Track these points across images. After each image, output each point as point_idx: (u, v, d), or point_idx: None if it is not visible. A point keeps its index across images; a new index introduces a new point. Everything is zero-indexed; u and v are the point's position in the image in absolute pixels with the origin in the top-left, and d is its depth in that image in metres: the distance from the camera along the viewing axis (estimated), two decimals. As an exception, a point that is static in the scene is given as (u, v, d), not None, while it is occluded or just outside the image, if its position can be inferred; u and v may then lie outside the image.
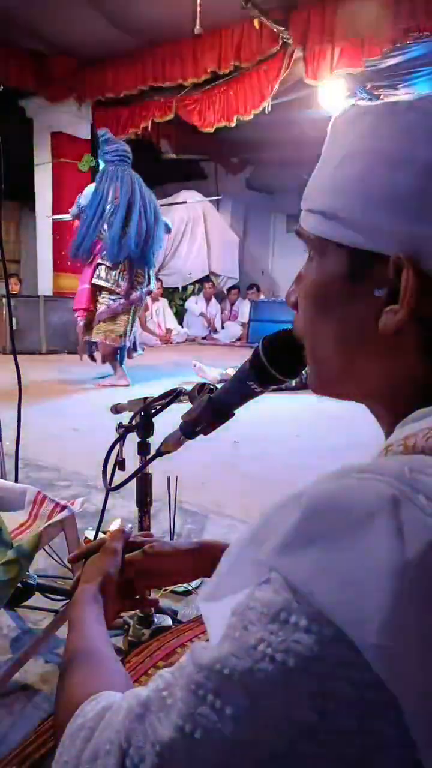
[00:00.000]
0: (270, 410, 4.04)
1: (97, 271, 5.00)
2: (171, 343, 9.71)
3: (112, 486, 0.99)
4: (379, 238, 0.47)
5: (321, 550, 0.35)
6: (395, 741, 0.33)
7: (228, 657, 0.36)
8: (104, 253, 4.90)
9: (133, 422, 1.15)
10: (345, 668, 0.33)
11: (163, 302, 10.00)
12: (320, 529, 0.36)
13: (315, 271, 0.54)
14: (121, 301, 5.04)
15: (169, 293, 10.28)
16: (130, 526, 1.52)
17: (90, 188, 5.18)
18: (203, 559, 0.78)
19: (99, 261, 4.98)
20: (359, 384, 0.54)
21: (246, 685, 0.34)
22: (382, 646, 0.32)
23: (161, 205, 5.86)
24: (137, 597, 0.80)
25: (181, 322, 10.13)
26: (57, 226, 8.20)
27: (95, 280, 5.01)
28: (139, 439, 1.24)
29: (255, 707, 0.34)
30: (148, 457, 1.01)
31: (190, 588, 1.60)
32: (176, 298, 10.37)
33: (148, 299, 10.05)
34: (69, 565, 1.59)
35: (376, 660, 0.32)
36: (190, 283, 10.35)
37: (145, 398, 1.14)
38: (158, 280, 10.09)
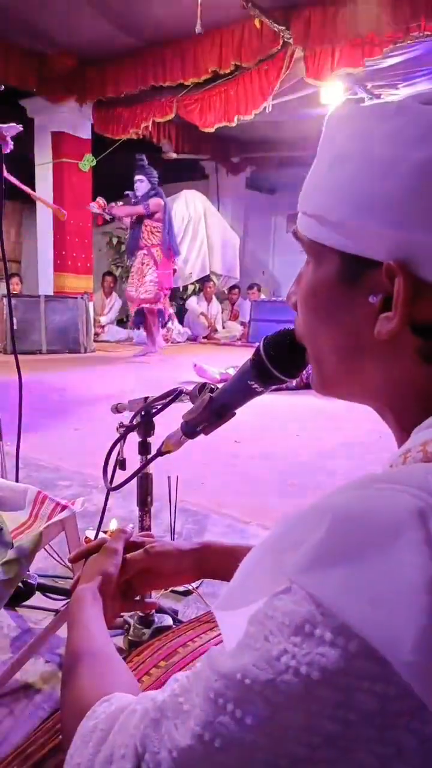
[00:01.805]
0: (271, 410, 4.04)
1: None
2: (172, 342, 9.71)
3: (113, 486, 0.99)
4: (369, 244, 0.46)
5: (349, 567, 0.34)
6: (415, 751, 0.32)
7: (249, 667, 0.35)
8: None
9: (134, 422, 1.15)
10: (370, 681, 0.32)
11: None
12: (347, 546, 0.35)
13: (311, 275, 0.53)
14: None
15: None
16: (131, 525, 1.52)
17: (160, 201, 6.76)
18: (204, 559, 0.77)
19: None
20: (360, 386, 0.54)
21: (268, 696, 0.34)
22: (418, 662, 0.31)
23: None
24: (137, 597, 0.80)
25: (181, 322, 10.12)
26: (57, 226, 8.21)
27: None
28: (139, 439, 1.23)
29: (276, 718, 0.34)
30: (149, 456, 1.01)
31: (190, 588, 1.60)
32: (177, 297, 10.37)
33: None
34: (69, 565, 1.59)
35: (412, 677, 0.31)
36: (191, 283, 10.35)
37: (146, 398, 1.14)
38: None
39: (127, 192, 6.98)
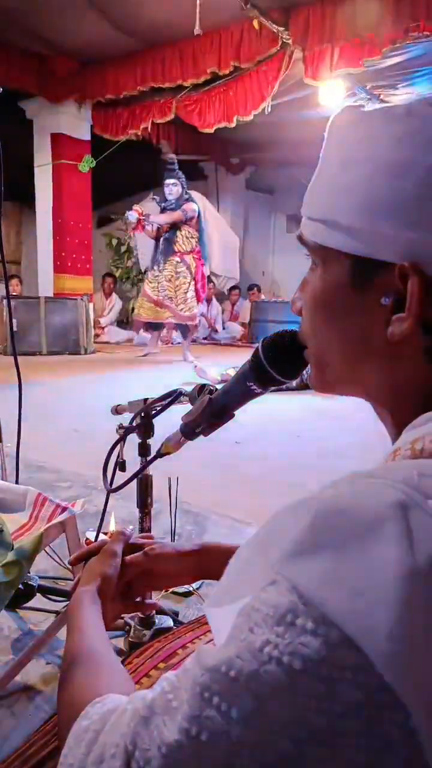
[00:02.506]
0: (271, 411, 4.04)
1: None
2: (171, 343, 9.71)
3: (113, 487, 0.99)
4: (381, 246, 0.47)
5: (329, 557, 0.35)
6: (403, 743, 0.33)
7: (233, 659, 0.35)
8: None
9: (134, 423, 1.15)
10: (352, 671, 0.32)
11: None
12: (328, 536, 0.35)
13: (318, 280, 0.53)
14: None
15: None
16: (131, 527, 1.53)
17: (196, 207, 6.56)
18: (204, 560, 0.77)
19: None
20: (362, 386, 0.54)
21: (252, 687, 0.34)
22: (391, 652, 0.32)
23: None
24: (137, 599, 0.80)
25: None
26: (57, 227, 8.21)
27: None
28: (139, 441, 1.24)
29: (262, 709, 0.34)
30: (149, 458, 1.01)
31: (191, 589, 1.60)
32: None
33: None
34: (70, 567, 1.59)
35: (385, 667, 0.32)
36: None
37: (145, 399, 1.14)
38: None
39: (154, 196, 6.81)
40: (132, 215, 6.44)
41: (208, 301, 10.30)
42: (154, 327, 7.16)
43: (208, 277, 10.04)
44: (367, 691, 0.32)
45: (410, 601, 0.32)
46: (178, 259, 6.53)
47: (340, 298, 0.51)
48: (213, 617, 0.45)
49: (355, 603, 0.33)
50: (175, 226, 6.48)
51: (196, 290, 6.64)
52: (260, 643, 0.35)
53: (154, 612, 1.33)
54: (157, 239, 6.62)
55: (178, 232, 6.48)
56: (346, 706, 0.33)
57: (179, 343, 9.77)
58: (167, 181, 6.53)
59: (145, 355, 7.08)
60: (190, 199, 6.51)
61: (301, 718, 0.33)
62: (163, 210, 6.56)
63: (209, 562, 0.77)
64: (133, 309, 10.40)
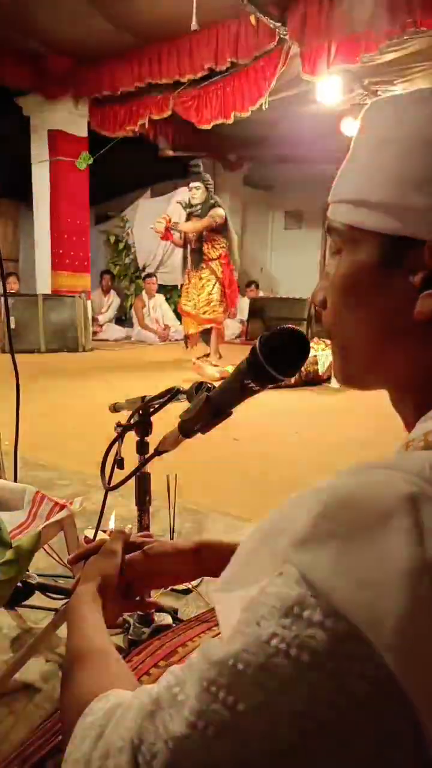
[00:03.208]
0: (269, 407, 4.04)
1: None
2: (170, 340, 9.72)
3: (111, 485, 0.99)
4: (411, 222, 0.47)
5: (339, 547, 0.35)
6: (409, 737, 0.33)
7: (240, 652, 0.35)
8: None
9: (132, 421, 1.14)
10: (359, 664, 0.33)
11: (159, 298, 10.02)
12: (338, 526, 0.35)
13: (345, 263, 0.53)
14: None
15: (168, 291, 10.28)
16: (129, 526, 1.52)
17: (223, 212, 6.16)
18: (204, 558, 0.77)
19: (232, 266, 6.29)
20: (388, 374, 0.54)
21: (259, 680, 0.34)
22: (398, 644, 0.32)
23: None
24: (138, 598, 0.80)
25: (179, 319, 10.15)
26: (54, 225, 8.19)
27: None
28: (137, 438, 1.23)
29: (269, 703, 0.34)
30: (147, 456, 1.01)
31: (190, 586, 1.60)
32: (175, 296, 10.38)
33: (144, 295, 10.08)
34: (68, 565, 1.58)
35: (393, 660, 0.32)
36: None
37: (143, 397, 1.14)
38: (152, 276, 10.11)
39: (179, 201, 6.45)
40: (160, 224, 6.15)
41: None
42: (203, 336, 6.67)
43: None
44: (374, 684, 0.32)
45: (419, 594, 0.32)
46: (203, 265, 6.24)
47: (367, 279, 0.51)
48: (220, 603, 0.44)
49: (364, 595, 0.33)
50: (201, 235, 6.14)
51: (225, 294, 6.23)
52: (267, 636, 0.35)
53: (153, 610, 1.33)
54: (184, 246, 6.34)
55: (203, 240, 6.15)
56: (354, 698, 0.33)
57: (177, 339, 9.79)
58: (191, 185, 6.18)
59: (204, 356, 6.37)
60: (216, 204, 6.09)
61: (309, 710, 0.33)
62: (189, 216, 6.21)
63: (209, 559, 0.77)
64: (131, 306, 10.41)
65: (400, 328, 0.50)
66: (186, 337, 6.62)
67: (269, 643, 0.34)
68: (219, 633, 0.43)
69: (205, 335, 6.45)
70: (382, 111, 0.51)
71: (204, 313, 6.19)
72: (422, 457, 0.39)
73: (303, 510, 0.37)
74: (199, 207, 6.09)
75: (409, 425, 0.53)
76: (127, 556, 0.76)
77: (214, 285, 6.19)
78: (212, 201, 6.10)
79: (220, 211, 6.05)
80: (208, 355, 6.30)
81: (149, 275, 10.13)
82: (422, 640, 0.32)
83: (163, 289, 10.19)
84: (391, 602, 0.32)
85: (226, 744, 0.35)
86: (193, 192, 6.15)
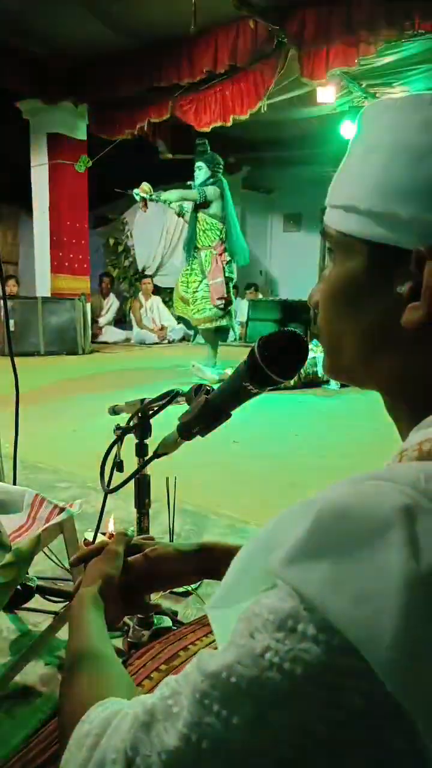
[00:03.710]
0: (269, 409, 4.04)
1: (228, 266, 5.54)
2: (168, 341, 9.73)
3: (111, 488, 0.99)
4: (399, 231, 0.47)
5: (333, 562, 0.34)
6: (405, 753, 0.32)
7: (234, 665, 0.35)
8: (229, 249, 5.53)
9: (131, 424, 1.14)
10: (354, 678, 0.32)
11: (156, 299, 10.04)
12: (332, 540, 0.35)
13: (337, 269, 0.53)
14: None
15: (168, 293, 10.30)
16: (131, 529, 1.52)
17: (216, 190, 5.52)
18: (204, 560, 0.77)
19: (226, 258, 5.52)
20: (376, 380, 0.53)
21: (253, 694, 0.34)
22: (393, 660, 0.31)
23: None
24: (139, 601, 0.80)
25: (178, 320, 10.17)
26: (54, 228, 8.19)
27: (231, 274, 5.56)
28: (137, 441, 1.23)
29: (262, 717, 0.34)
30: (146, 458, 1.01)
31: (189, 589, 1.60)
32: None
33: (141, 297, 10.08)
34: (68, 567, 1.58)
35: (388, 675, 0.31)
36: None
37: (142, 400, 1.14)
38: (148, 276, 10.12)
39: (189, 182, 5.81)
40: (137, 191, 5.62)
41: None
42: (187, 324, 6.12)
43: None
44: (369, 699, 0.32)
45: (414, 609, 0.32)
46: (195, 254, 5.63)
47: (357, 286, 0.51)
48: (215, 619, 0.44)
49: (358, 610, 0.32)
50: (195, 216, 5.56)
51: (211, 289, 5.52)
52: (261, 649, 0.34)
53: (153, 612, 1.33)
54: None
55: (196, 224, 5.56)
56: (348, 714, 0.32)
57: (174, 339, 9.79)
58: (196, 165, 5.61)
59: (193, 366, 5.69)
60: (213, 184, 5.51)
61: (303, 725, 0.33)
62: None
63: (210, 561, 0.77)
64: (130, 308, 10.42)
65: (388, 337, 0.49)
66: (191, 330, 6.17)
67: (263, 656, 0.34)
68: None
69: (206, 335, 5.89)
70: (377, 115, 0.51)
71: (193, 312, 5.62)
72: (416, 468, 0.38)
73: (295, 523, 0.37)
74: (195, 188, 5.55)
75: (403, 434, 0.52)
76: (128, 558, 0.76)
77: (200, 282, 5.57)
78: (211, 180, 5.53)
79: (210, 189, 5.49)
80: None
81: (144, 276, 10.14)
82: (418, 655, 0.32)
83: (163, 291, 10.20)
84: (386, 617, 0.32)
85: (219, 758, 0.35)
86: (196, 173, 5.61)
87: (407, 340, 0.48)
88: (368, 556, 0.33)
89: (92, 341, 8.57)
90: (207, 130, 7.14)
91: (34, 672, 1.29)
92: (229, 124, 6.94)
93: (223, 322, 5.63)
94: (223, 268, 5.51)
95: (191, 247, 5.64)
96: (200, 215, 5.55)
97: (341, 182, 0.53)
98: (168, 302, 10.17)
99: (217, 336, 5.80)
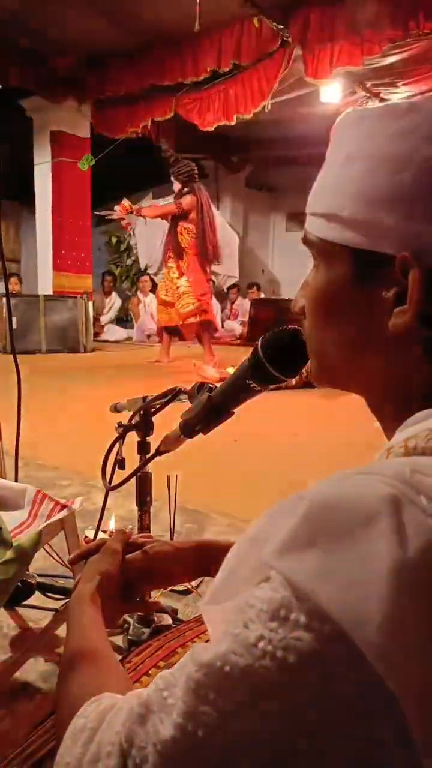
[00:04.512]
0: (269, 408, 4.04)
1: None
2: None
3: (112, 485, 0.99)
4: (381, 238, 0.47)
5: (322, 551, 0.35)
6: (396, 741, 0.33)
7: (228, 654, 0.36)
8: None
9: (133, 421, 1.15)
10: (345, 666, 0.33)
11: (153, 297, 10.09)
12: (321, 531, 0.36)
13: (320, 277, 0.54)
14: None
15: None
16: (130, 526, 1.52)
17: (193, 199, 5.85)
18: (204, 558, 0.77)
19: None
20: (361, 384, 0.54)
21: (247, 682, 0.35)
22: (382, 644, 0.32)
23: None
24: (138, 598, 0.80)
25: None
26: (56, 226, 8.20)
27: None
28: (138, 439, 1.23)
29: (256, 705, 0.34)
30: (148, 456, 1.01)
31: (189, 587, 1.60)
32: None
33: (140, 294, 10.10)
34: (69, 564, 1.58)
35: (376, 659, 0.32)
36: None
37: (144, 397, 1.14)
38: (145, 274, 10.14)
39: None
40: (116, 209, 6.03)
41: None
42: (169, 332, 6.45)
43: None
44: (359, 685, 0.32)
45: (401, 593, 0.32)
46: (171, 254, 6.11)
47: (341, 293, 0.51)
48: (209, 614, 0.45)
49: (347, 596, 0.33)
50: (175, 222, 5.96)
51: (192, 285, 5.97)
52: (254, 639, 0.35)
53: (153, 610, 1.33)
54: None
55: (177, 230, 5.97)
56: (340, 700, 0.33)
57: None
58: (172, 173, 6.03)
59: (155, 362, 6.41)
60: (191, 192, 5.89)
61: (296, 712, 0.33)
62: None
63: (209, 559, 0.77)
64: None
65: (373, 342, 0.50)
66: (158, 331, 6.52)
67: (256, 645, 0.35)
68: None
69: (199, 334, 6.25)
70: (354, 124, 0.51)
71: (182, 306, 5.96)
72: (402, 463, 0.39)
73: (286, 517, 0.38)
74: (174, 196, 5.99)
75: (389, 432, 0.53)
76: (127, 556, 0.76)
77: (180, 277, 6.02)
78: (186, 190, 5.89)
79: (187, 198, 5.84)
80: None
81: (143, 273, 10.15)
82: (406, 639, 0.32)
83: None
84: (374, 601, 0.32)
85: (215, 746, 0.35)
86: (172, 187, 6.05)
87: (390, 343, 0.49)
88: (356, 544, 0.34)
89: (94, 339, 8.57)
90: (210, 128, 7.15)
91: (34, 668, 1.29)
92: (233, 123, 6.93)
93: (208, 316, 6.09)
94: (201, 264, 5.98)
95: (180, 251, 6.02)
96: (180, 222, 5.94)
97: (322, 190, 0.54)
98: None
99: (204, 331, 6.14)
